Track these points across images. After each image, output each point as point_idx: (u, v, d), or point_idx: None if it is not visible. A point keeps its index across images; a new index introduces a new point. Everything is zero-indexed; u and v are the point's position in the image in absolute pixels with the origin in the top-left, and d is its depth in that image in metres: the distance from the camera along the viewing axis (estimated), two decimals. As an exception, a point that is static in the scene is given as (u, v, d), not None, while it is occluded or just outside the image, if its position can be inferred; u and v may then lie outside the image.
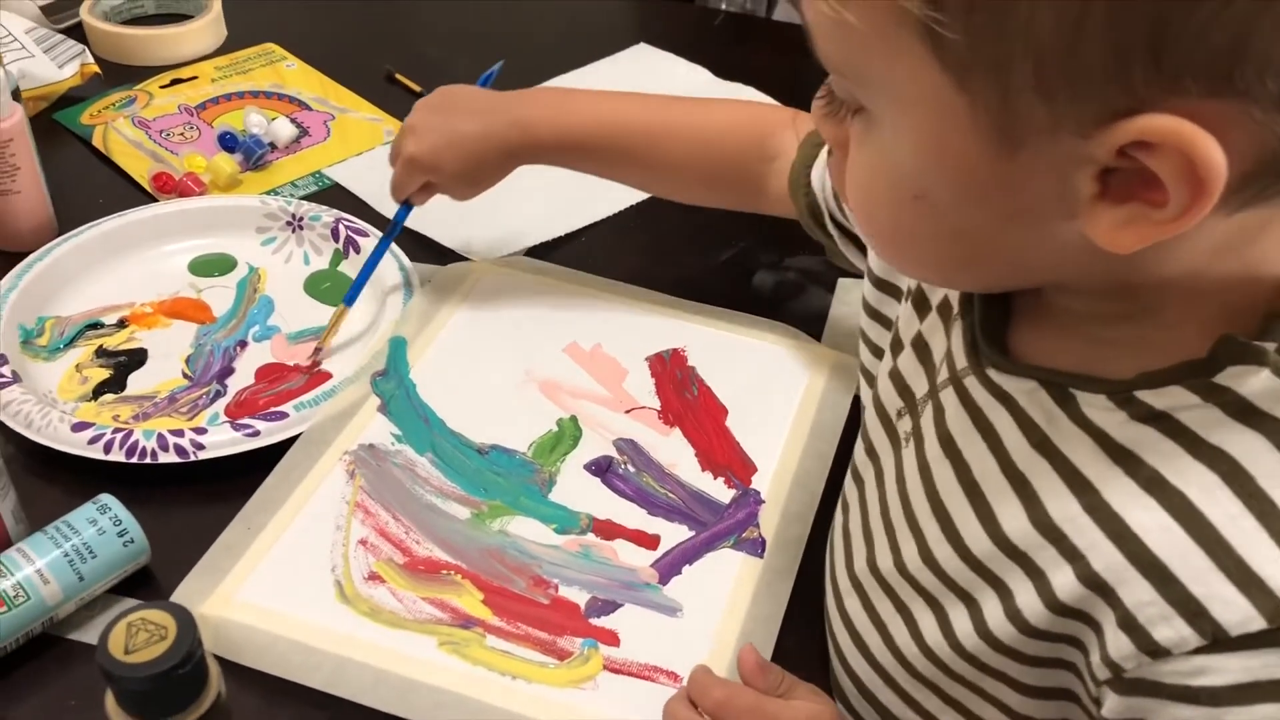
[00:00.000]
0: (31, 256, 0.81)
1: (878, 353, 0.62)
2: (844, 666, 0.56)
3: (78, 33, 1.10)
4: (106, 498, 0.62)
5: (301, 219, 0.88)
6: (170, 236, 0.87)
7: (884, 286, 0.62)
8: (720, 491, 0.69)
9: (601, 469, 0.71)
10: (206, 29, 1.13)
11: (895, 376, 0.55)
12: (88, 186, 0.94)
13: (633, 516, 0.68)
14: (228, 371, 0.77)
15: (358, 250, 0.85)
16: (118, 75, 1.07)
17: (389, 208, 0.82)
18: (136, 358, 0.78)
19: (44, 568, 0.59)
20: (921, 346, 0.53)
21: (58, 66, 1.02)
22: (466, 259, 0.87)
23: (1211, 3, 0.30)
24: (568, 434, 0.73)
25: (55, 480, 0.68)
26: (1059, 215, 0.37)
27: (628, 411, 0.75)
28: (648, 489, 0.69)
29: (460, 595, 0.63)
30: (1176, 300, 0.40)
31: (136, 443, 0.68)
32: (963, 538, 0.47)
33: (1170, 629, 0.38)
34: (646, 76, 1.12)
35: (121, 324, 0.80)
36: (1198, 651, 0.37)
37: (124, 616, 0.46)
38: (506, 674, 0.59)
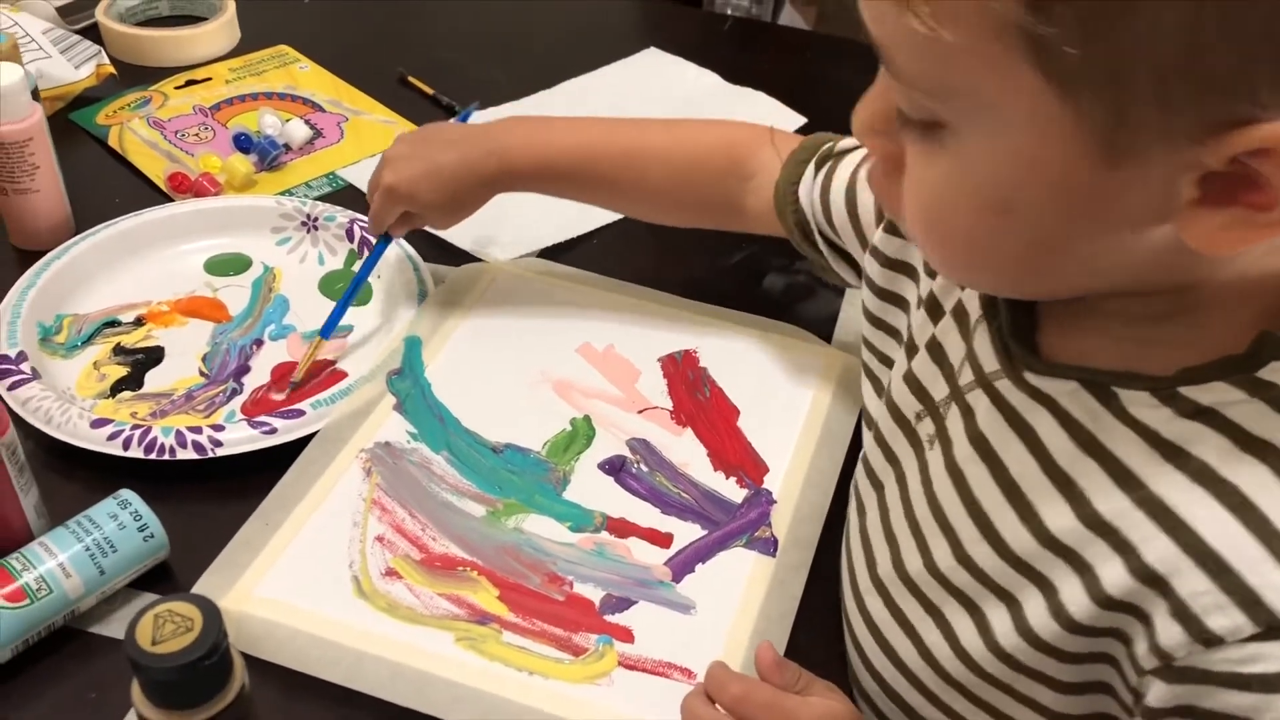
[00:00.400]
0: (50, 255, 0.82)
1: (885, 360, 0.62)
2: (866, 667, 0.56)
3: (93, 34, 1.11)
4: (127, 493, 0.63)
5: (316, 219, 0.88)
6: (186, 236, 0.87)
7: (887, 296, 0.62)
8: (732, 491, 0.70)
9: (615, 468, 0.71)
10: (221, 31, 1.14)
11: (910, 380, 0.56)
12: (104, 186, 0.94)
13: (646, 515, 0.68)
14: (244, 370, 0.78)
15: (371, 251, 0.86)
16: (133, 76, 1.08)
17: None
18: (153, 355, 0.78)
19: (66, 561, 0.60)
20: (937, 350, 0.54)
21: (74, 67, 1.03)
22: (480, 260, 0.88)
23: None
24: (581, 433, 0.73)
25: (75, 476, 0.69)
26: (1151, 220, 0.37)
27: (640, 412, 0.75)
28: (661, 488, 0.70)
29: (476, 591, 0.63)
30: (1220, 298, 0.41)
31: (155, 439, 0.69)
32: (1002, 537, 0.47)
33: (1225, 618, 0.39)
34: (656, 80, 1.13)
35: (138, 322, 0.81)
36: (1251, 639, 0.38)
37: (151, 608, 0.47)
38: (523, 669, 0.60)
